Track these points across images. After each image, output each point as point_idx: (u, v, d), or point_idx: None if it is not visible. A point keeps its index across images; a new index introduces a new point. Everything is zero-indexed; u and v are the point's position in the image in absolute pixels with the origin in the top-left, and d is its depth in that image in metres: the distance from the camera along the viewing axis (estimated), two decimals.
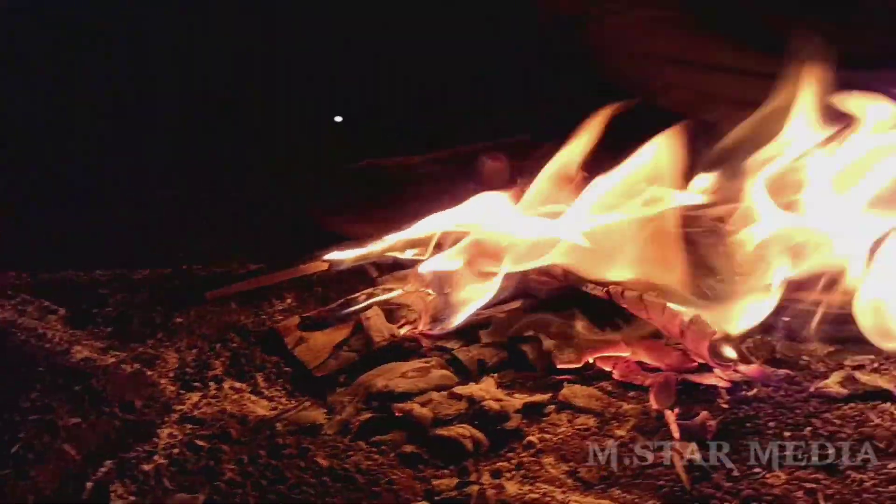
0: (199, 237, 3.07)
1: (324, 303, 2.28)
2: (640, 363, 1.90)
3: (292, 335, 2.09)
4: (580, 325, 1.99)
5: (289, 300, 2.44)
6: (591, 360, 1.92)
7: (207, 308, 2.36)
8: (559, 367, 1.90)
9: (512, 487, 1.47)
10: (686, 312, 1.80)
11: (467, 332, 2.06)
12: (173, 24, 3.63)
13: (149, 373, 1.99)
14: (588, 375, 1.90)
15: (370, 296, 2.18)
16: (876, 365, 1.93)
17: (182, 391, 1.92)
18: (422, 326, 2.02)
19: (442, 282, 2.11)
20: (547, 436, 1.67)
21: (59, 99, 3.48)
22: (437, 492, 1.48)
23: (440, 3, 3.60)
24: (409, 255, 2.33)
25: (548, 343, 1.94)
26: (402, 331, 2.05)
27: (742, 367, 1.70)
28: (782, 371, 1.75)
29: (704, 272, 2.04)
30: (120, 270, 2.74)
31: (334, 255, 2.31)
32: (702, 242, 2.07)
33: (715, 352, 1.71)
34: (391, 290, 2.23)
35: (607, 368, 1.90)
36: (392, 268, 2.49)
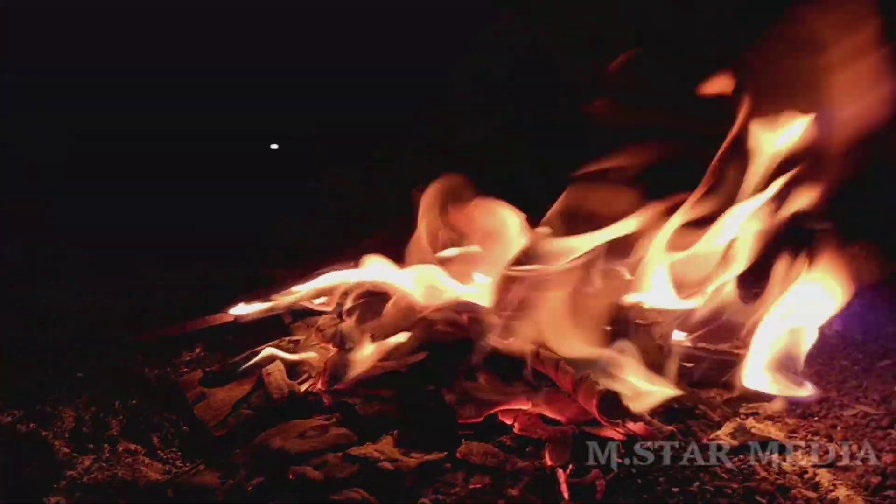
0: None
1: (231, 353, 2.24)
2: (541, 416, 1.90)
3: (194, 391, 2.05)
4: (483, 379, 1.97)
5: (198, 349, 2.40)
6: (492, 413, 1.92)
7: (112, 359, 2.32)
8: (460, 422, 1.88)
9: None
10: (577, 369, 1.81)
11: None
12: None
13: (44, 433, 1.94)
14: (488, 428, 1.89)
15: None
16: (770, 412, 1.98)
17: (75, 454, 1.87)
18: (320, 384, 1.99)
19: (343, 337, 2.08)
20: (440, 496, 1.66)
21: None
22: None
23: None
24: (318, 302, 2.30)
25: (449, 397, 1.93)
26: (304, 386, 2.02)
27: (630, 424, 1.72)
28: (668, 427, 1.76)
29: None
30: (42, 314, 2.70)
31: (240, 310, 2.26)
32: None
33: (603, 409, 1.72)
34: (297, 341, 2.20)
35: (508, 422, 1.89)
36: (305, 314, 2.47)
